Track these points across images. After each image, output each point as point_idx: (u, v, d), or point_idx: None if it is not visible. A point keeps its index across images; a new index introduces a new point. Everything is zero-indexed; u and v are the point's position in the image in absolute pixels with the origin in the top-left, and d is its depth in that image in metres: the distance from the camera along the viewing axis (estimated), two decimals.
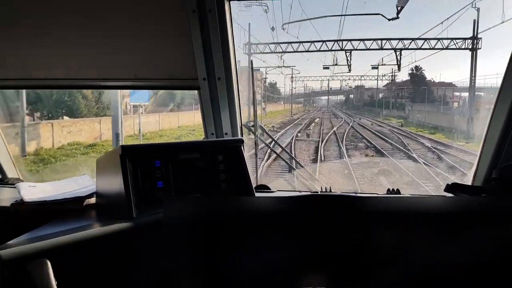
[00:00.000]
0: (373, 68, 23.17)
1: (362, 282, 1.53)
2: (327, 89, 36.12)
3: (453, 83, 25.39)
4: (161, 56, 1.81)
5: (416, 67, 25.37)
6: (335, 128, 19.17)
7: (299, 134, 16.41)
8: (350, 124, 21.66)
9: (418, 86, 25.78)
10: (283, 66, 21.26)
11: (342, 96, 40.82)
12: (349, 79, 32.42)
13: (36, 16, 1.80)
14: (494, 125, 1.68)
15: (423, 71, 26.60)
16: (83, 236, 1.13)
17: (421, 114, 21.61)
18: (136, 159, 1.37)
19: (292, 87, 31.26)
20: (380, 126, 21.21)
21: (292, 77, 28.81)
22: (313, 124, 21.83)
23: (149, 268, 1.31)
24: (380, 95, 32.06)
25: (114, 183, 1.35)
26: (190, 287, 1.45)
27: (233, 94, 1.83)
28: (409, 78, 27.10)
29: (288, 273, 1.54)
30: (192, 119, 17.46)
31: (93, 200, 1.58)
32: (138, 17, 1.78)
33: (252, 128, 2.14)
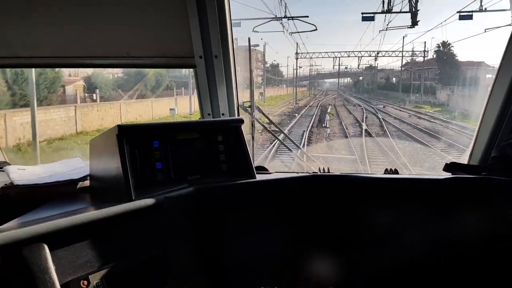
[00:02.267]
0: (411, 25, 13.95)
1: (359, 257, 1.55)
2: (333, 70, 31.14)
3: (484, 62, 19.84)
4: (155, 32, 1.73)
5: (444, 43, 21.22)
6: (364, 126, 13.35)
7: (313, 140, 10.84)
8: (379, 116, 16.18)
9: (446, 66, 21.16)
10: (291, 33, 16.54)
11: (348, 78, 36.18)
12: (369, 55, 25.65)
13: None
14: (492, 105, 1.69)
15: (451, 48, 21.73)
16: (82, 218, 1.08)
17: (464, 101, 15.77)
18: (134, 140, 1.32)
19: (297, 65, 25.80)
20: (422, 118, 15.49)
21: (297, 53, 23.56)
22: (327, 116, 16.39)
23: (148, 250, 1.28)
24: (393, 78, 28.26)
25: (111, 165, 1.30)
26: (190, 268, 1.43)
27: (230, 73, 1.78)
28: (434, 56, 22.22)
29: (288, 251, 1.55)
30: (167, 107, 14.22)
31: (87, 183, 1.53)
32: None
33: (249, 109, 2.09)
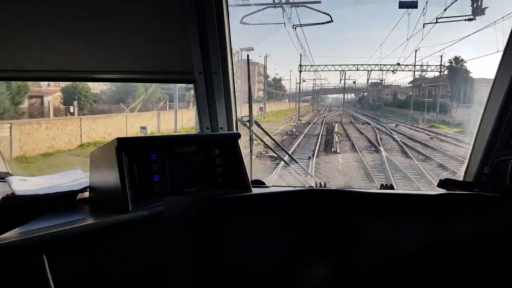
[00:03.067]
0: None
1: (355, 270, 1.56)
2: (337, 85, 28.93)
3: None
4: (156, 48, 1.79)
5: (456, 58, 19.65)
6: (384, 152, 10.61)
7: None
8: (396, 138, 14.12)
9: (460, 83, 19.50)
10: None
11: (352, 94, 34.14)
12: (380, 69, 22.89)
13: (28, 7, 1.75)
14: (486, 121, 1.72)
15: (464, 64, 20.03)
16: (79, 229, 1.11)
17: None
18: (132, 152, 1.35)
19: (300, 78, 23.46)
20: (445, 141, 13.10)
21: (300, 65, 21.06)
22: (335, 137, 14.24)
23: (145, 261, 1.30)
24: (399, 94, 26.88)
25: (109, 177, 1.33)
26: (186, 278, 1.44)
27: (229, 89, 1.82)
28: (445, 72, 20.44)
29: (285, 261, 1.56)
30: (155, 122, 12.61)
31: (86, 194, 1.56)
32: (133, 8, 1.75)
33: (247, 124, 2.12)
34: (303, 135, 14.97)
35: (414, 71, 21.33)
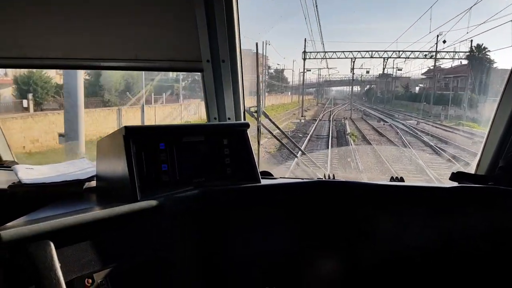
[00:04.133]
0: None
1: (363, 263, 1.55)
2: (344, 77, 27.33)
3: None
4: (164, 36, 1.75)
5: (478, 46, 17.05)
6: (432, 173, 7.09)
7: None
8: (432, 144, 10.91)
9: (482, 74, 16.84)
10: None
11: (358, 87, 31.33)
12: (399, 56, 19.63)
13: None
14: (501, 113, 1.68)
15: (487, 53, 17.41)
16: (88, 218, 1.09)
17: None
18: (140, 141, 1.33)
19: (304, 68, 19.91)
20: None
21: (304, 52, 18.05)
22: (350, 139, 11.90)
23: (153, 250, 1.29)
24: (414, 87, 24.21)
25: (117, 166, 1.31)
26: (193, 268, 1.44)
27: (237, 78, 1.79)
28: (466, 62, 17.94)
29: (291, 253, 1.55)
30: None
31: (93, 183, 1.54)
32: None
33: (255, 114, 2.09)
34: (308, 137, 12.13)
35: (435, 58, 18.28)
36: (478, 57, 17.32)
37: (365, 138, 12.52)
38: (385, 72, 22.96)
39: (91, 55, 1.79)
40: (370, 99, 30.00)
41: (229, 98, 1.81)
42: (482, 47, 16.95)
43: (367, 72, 24.84)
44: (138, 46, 1.76)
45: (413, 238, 1.52)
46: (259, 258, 1.53)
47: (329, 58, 19.96)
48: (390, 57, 19.79)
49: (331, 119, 17.69)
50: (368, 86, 31.44)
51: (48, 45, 1.78)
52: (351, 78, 23.75)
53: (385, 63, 21.63)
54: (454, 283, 1.51)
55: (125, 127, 1.27)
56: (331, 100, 30.62)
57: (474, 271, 1.50)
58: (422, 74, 22.46)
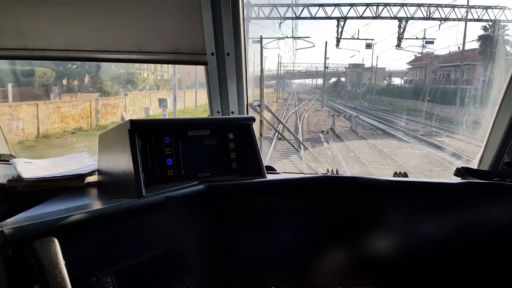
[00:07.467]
0: None
1: (369, 259, 1.54)
2: (308, 67, 23.90)
3: None
4: (167, 28, 1.71)
5: (494, 23, 12.04)
6: None
7: None
8: None
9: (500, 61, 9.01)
10: None
11: (319, 79, 26.79)
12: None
13: None
14: (504, 110, 1.68)
15: (507, 31, 12.61)
16: (94, 214, 1.06)
17: None
18: (145, 135, 1.30)
19: (262, 49, 11.50)
20: None
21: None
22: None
23: (157, 246, 1.26)
24: (392, 79, 19.36)
25: (121, 160, 1.28)
26: (199, 263, 1.42)
27: (241, 71, 1.76)
28: (478, 45, 13.00)
29: (297, 248, 1.54)
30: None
31: (94, 177, 1.51)
32: None
33: (257, 108, 2.07)
34: None
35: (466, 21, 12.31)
36: (492, 37, 12.13)
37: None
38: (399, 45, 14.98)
39: (93, 46, 1.74)
40: (339, 93, 24.58)
41: (233, 92, 1.79)
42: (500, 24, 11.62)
43: (330, 65, 20.56)
44: (142, 39, 1.72)
45: (422, 231, 1.53)
46: (265, 252, 1.51)
47: (298, 17, 13.09)
48: (412, 18, 13.03)
49: (299, 130, 11.49)
50: (335, 79, 26.28)
51: (49, 37, 1.73)
52: (315, 70, 20.11)
53: (402, 27, 13.60)
54: (462, 277, 1.52)
55: (131, 120, 1.24)
56: (293, 94, 25.90)
57: (482, 266, 1.50)
58: (408, 63, 18.44)
